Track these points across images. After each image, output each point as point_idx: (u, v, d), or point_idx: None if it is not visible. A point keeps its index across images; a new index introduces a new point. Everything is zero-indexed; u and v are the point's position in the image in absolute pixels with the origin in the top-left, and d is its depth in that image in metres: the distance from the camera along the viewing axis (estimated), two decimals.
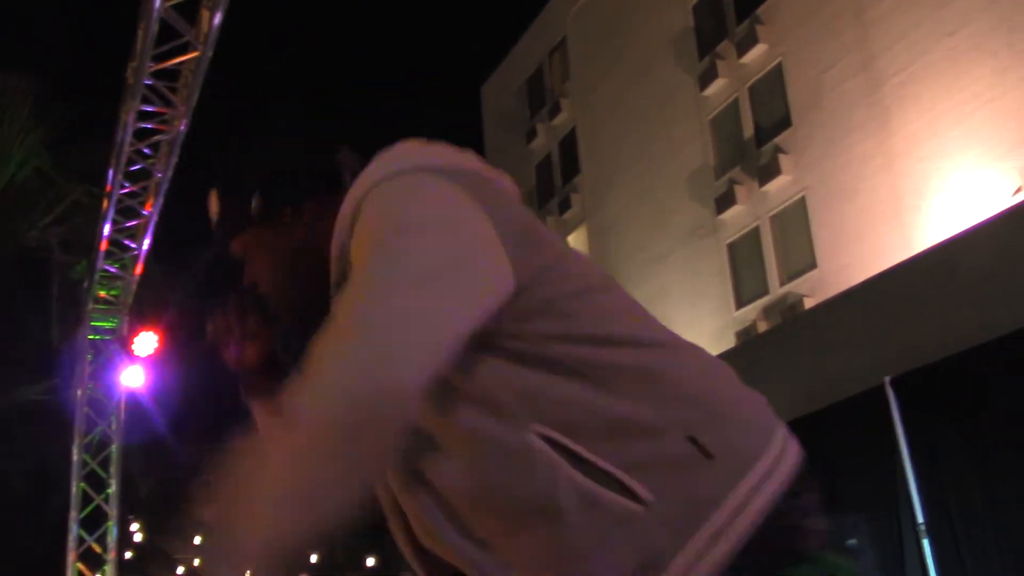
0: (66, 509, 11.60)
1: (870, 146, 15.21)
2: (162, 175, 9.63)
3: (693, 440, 1.25)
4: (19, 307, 13.29)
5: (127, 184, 9.86)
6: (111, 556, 11.67)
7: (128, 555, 25.03)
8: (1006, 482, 5.47)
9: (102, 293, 11.73)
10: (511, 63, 26.76)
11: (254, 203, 1.57)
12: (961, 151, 13.67)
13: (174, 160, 9.38)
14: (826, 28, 16.27)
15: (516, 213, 1.40)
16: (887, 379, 6.09)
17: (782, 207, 17.04)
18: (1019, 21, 13.15)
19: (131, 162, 9.47)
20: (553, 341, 1.30)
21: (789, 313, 15.58)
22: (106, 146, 9.79)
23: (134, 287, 11.57)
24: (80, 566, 11.48)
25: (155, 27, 7.66)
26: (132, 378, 11.16)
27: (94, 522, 11.70)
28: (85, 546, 11.56)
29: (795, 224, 16.77)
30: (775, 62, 17.42)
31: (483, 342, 1.28)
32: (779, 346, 8.28)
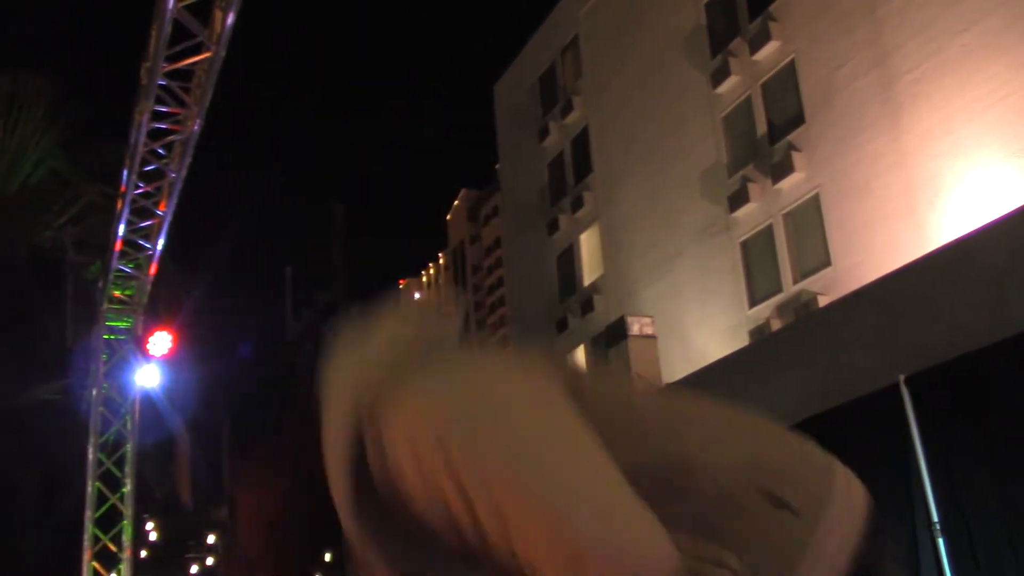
0: (81, 508, 11.67)
1: (883, 143, 15.16)
2: (176, 175, 9.67)
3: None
4: (34, 307, 13.32)
5: (141, 184, 9.92)
6: (126, 555, 11.74)
7: (143, 554, 25.11)
8: (1021, 481, 5.44)
9: (117, 293, 11.81)
10: (523, 61, 26.77)
11: None
12: (975, 148, 13.61)
13: (188, 160, 9.43)
14: (839, 25, 16.22)
15: None
16: (901, 377, 6.05)
17: (795, 205, 17.00)
18: None
19: (145, 162, 9.52)
20: None
21: (803, 311, 15.53)
22: (120, 146, 9.84)
23: (148, 287, 11.63)
24: (95, 565, 11.55)
25: (168, 28, 7.70)
26: (147, 377, 11.21)
27: (109, 521, 11.77)
28: (100, 545, 11.64)
29: (808, 222, 16.73)
30: (788, 59, 17.38)
31: None
32: (793, 344, 8.23)
